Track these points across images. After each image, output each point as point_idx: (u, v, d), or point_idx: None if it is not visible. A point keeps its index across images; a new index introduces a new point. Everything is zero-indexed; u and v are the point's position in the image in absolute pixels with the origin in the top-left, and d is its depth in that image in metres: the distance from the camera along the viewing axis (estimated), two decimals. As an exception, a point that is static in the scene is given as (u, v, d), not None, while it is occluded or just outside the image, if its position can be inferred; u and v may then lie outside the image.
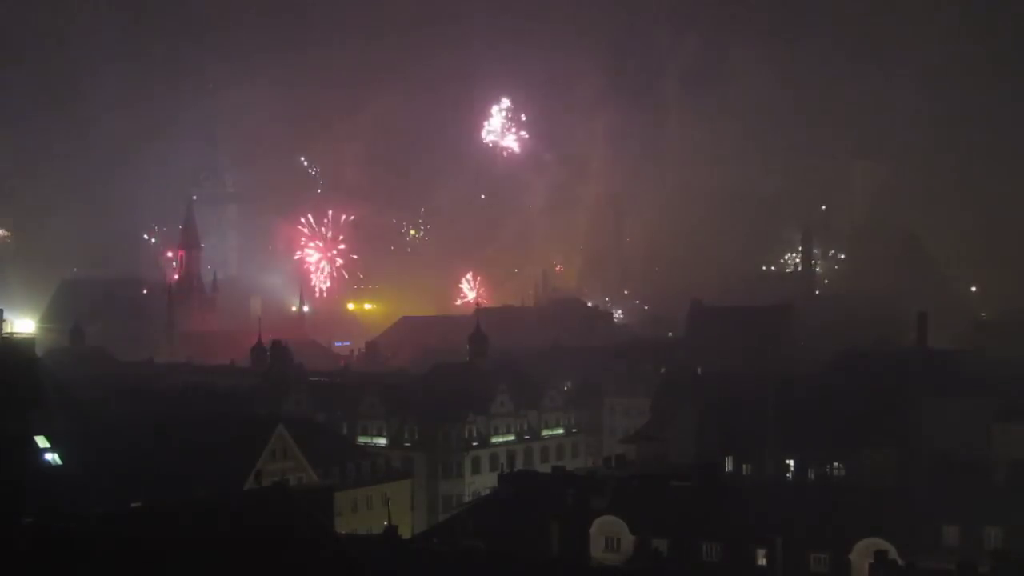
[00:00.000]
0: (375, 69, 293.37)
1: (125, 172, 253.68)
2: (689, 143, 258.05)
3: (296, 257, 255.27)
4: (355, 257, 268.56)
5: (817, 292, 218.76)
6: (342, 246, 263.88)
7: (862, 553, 59.05)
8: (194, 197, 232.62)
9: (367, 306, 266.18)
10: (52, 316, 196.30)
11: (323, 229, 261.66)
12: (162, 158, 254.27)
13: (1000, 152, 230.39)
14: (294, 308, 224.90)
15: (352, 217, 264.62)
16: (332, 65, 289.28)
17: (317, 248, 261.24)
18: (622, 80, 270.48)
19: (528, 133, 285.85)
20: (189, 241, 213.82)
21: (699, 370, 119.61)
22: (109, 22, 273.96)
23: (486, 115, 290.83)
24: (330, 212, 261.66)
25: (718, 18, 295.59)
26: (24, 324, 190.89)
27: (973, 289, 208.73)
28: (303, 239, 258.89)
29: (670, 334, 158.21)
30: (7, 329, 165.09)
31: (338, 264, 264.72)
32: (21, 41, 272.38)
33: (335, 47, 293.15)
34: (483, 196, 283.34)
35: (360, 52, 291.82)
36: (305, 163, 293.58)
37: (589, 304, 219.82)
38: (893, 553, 57.78)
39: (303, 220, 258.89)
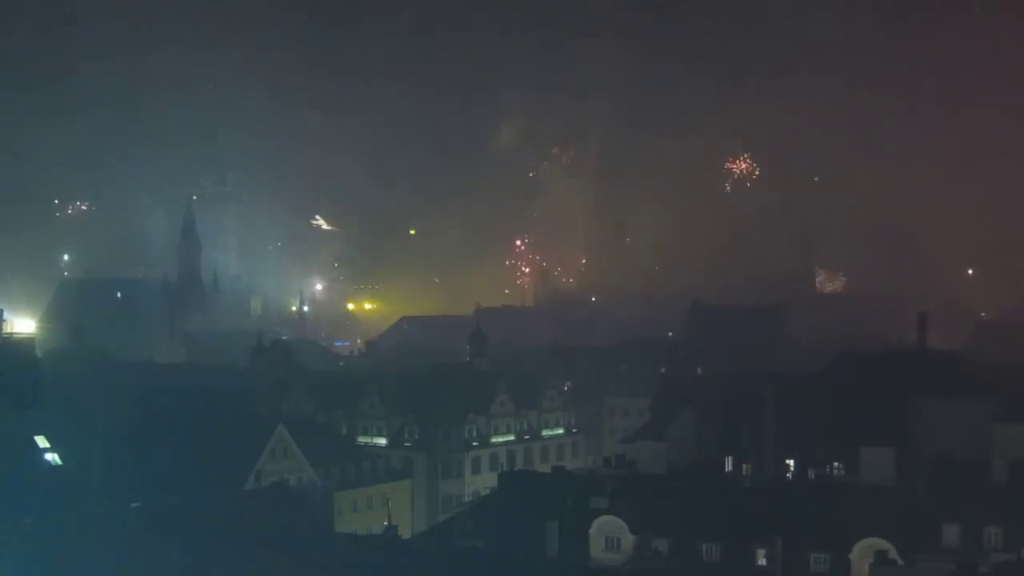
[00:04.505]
0: (378, 65, 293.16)
1: (125, 171, 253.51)
2: (689, 143, 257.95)
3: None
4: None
5: (817, 292, 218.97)
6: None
7: (862, 553, 59.08)
8: (194, 197, 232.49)
9: (367, 306, 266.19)
10: (52, 316, 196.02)
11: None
12: (163, 157, 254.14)
13: (1001, 151, 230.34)
14: (294, 308, 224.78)
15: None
16: (334, 61, 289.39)
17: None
18: (625, 78, 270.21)
19: (532, 128, 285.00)
20: (189, 241, 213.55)
21: (699, 370, 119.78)
22: (109, 21, 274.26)
23: (494, 111, 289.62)
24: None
25: (722, 19, 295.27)
26: (24, 324, 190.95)
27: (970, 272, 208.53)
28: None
29: (670, 334, 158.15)
30: (7, 329, 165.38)
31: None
32: (20, 39, 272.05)
33: (339, 43, 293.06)
34: (483, 193, 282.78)
35: (364, 49, 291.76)
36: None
37: (589, 304, 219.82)
38: (893, 553, 57.85)
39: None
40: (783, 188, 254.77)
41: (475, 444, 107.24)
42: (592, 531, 65.10)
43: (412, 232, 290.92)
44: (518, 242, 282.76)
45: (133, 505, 66.10)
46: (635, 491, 68.59)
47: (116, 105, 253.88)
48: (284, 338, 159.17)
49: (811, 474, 79.46)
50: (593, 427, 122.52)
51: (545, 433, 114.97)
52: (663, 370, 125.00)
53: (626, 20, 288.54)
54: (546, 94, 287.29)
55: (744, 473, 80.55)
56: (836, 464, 79.25)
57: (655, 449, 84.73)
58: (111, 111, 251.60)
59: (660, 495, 67.71)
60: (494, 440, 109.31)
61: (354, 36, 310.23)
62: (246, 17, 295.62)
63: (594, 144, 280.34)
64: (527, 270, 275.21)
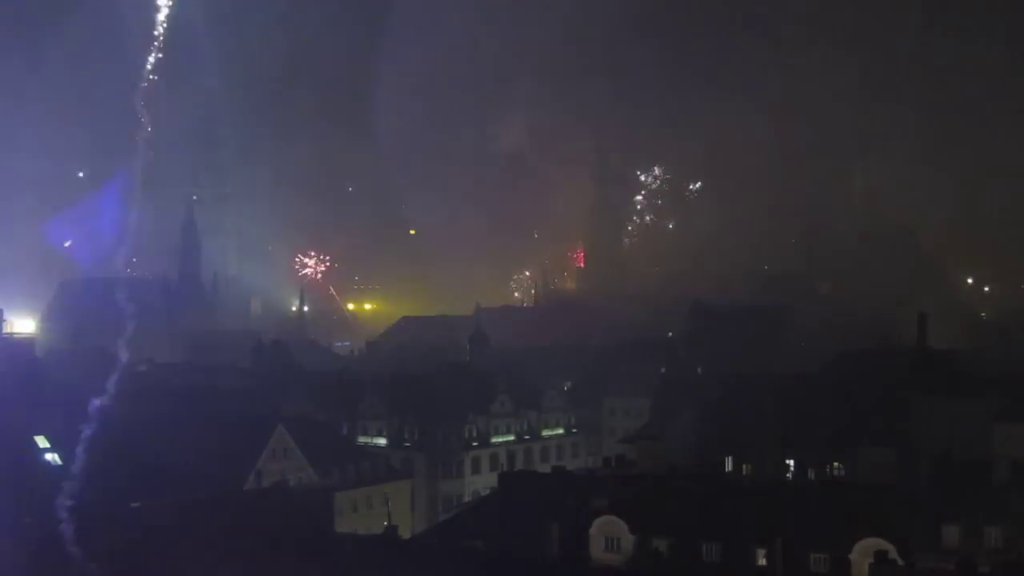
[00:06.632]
0: (377, 65, 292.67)
1: (125, 171, 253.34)
2: (691, 143, 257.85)
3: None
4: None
5: (817, 292, 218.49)
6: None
7: (862, 553, 59.07)
8: (194, 197, 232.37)
9: (367, 306, 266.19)
10: (52, 316, 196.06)
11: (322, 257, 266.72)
12: (161, 157, 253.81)
13: (1001, 150, 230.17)
14: (294, 308, 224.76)
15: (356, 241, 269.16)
16: (333, 62, 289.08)
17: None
18: (625, 79, 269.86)
19: (533, 128, 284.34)
20: (189, 241, 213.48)
21: (699, 370, 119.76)
22: (109, 23, 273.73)
23: (498, 111, 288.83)
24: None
25: (729, 18, 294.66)
26: (24, 324, 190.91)
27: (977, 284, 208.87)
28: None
29: (670, 334, 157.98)
30: (7, 329, 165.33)
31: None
32: (19, 39, 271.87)
33: (338, 43, 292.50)
34: (483, 193, 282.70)
35: (363, 47, 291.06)
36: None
37: (589, 304, 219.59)
38: (893, 553, 57.81)
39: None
40: (783, 188, 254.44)
41: (475, 444, 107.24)
42: (592, 531, 65.06)
43: (412, 232, 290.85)
44: (519, 242, 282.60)
45: (133, 505, 66.19)
46: (635, 491, 68.60)
47: (116, 105, 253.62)
48: (284, 338, 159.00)
49: (811, 474, 79.54)
50: (593, 427, 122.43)
51: (545, 433, 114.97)
52: (663, 370, 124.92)
53: (632, 15, 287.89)
54: (548, 93, 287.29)
55: (744, 473, 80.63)
56: (836, 464, 79.35)
57: (655, 449, 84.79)
58: (112, 111, 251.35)
59: (660, 495, 67.70)
60: (494, 440, 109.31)
61: (355, 32, 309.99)
62: (246, 16, 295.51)
63: (595, 142, 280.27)
64: (527, 271, 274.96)
